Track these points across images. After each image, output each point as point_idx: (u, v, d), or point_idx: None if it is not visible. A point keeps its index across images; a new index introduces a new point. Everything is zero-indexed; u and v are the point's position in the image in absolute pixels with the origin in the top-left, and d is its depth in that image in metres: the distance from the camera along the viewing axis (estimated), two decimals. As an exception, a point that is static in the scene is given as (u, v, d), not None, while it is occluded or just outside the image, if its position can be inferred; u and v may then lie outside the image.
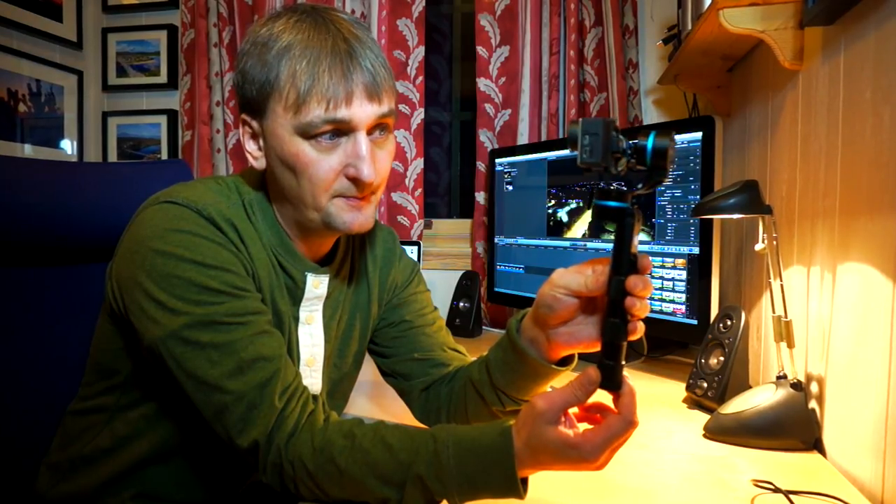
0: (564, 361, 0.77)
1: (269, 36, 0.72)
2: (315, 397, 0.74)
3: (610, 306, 0.63)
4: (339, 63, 0.70)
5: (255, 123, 0.76)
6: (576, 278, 0.68)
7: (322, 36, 0.71)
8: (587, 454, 0.61)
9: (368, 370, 1.01)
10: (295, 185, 0.74)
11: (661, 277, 1.31)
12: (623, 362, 0.63)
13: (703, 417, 1.02)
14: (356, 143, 0.72)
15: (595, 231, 1.50)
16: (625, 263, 0.63)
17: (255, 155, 0.78)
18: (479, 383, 0.82)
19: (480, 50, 1.95)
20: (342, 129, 0.72)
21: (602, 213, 0.62)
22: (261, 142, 0.76)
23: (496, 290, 1.82)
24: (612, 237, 0.63)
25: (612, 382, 0.62)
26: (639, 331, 0.64)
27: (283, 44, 0.70)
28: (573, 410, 0.66)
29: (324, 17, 0.73)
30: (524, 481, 0.65)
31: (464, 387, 0.86)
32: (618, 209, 0.62)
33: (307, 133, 0.71)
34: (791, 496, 0.74)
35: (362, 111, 0.71)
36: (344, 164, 0.73)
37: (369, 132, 0.73)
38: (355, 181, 0.73)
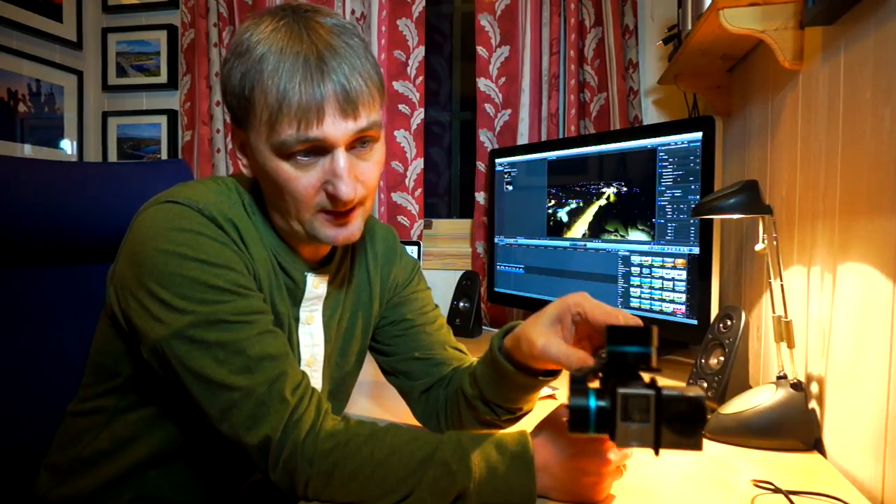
0: (550, 373, 0.78)
1: (248, 45, 0.70)
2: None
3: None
4: (309, 79, 0.67)
5: (241, 133, 0.75)
6: (556, 352, 0.68)
7: (294, 49, 0.68)
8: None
9: (368, 370, 1.01)
10: (278, 198, 0.74)
11: (662, 277, 1.31)
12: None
13: (703, 417, 1.02)
14: (334, 161, 0.70)
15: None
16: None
17: (244, 163, 0.77)
18: (472, 397, 0.83)
19: (480, 50, 1.94)
20: (318, 147, 0.70)
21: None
22: (247, 151, 0.76)
23: (496, 290, 1.82)
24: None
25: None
26: None
27: (257, 55, 0.68)
28: None
29: (300, 25, 0.70)
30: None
31: (456, 395, 0.87)
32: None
33: (282, 152, 0.70)
34: (791, 496, 0.74)
35: (336, 129, 0.69)
36: (323, 181, 0.71)
37: (350, 146, 0.71)
38: (334, 199, 0.72)
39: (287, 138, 0.68)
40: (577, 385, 0.55)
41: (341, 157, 0.70)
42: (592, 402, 0.54)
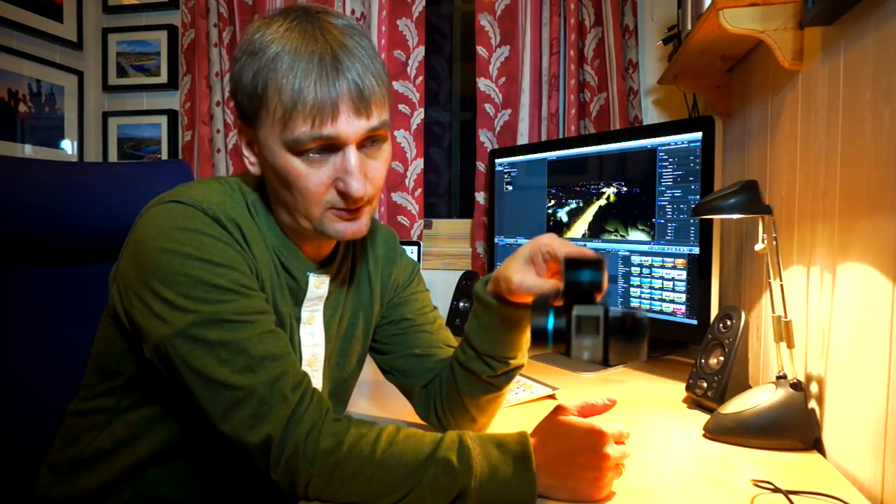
0: None
1: (261, 45, 0.71)
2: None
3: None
4: (325, 78, 0.68)
5: (250, 131, 0.75)
6: (533, 286, 0.75)
7: (309, 47, 0.69)
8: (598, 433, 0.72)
9: (368, 370, 1.01)
10: (288, 195, 0.74)
11: (662, 277, 1.31)
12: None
13: (703, 417, 1.02)
14: (345, 159, 0.71)
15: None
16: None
17: (251, 161, 0.78)
18: (465, 359, 0.85)
19: (480, 50, 1.95)
20: (331, 145, 0.71)
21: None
22: (255, 149, 0.76)
23: (496, 290, 1.81)
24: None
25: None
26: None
27: (271, 54, 0.69)
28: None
29: (314, 25, 0.71)
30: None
31: (451, 370, 0.88)
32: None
33: (295, 149, 0.70)
34: (791, 496, 0.74)
35: (349, 127, 0.70)
36: (334, 178, 0.72)
37: (360, 145, 0.73)
38: (345, 196, 0.72)
39: (301, 135, 0.69)
40: (539, 307, 0.66)
41: (353, 155, 0.71)
42: (551, 324, 0.65)
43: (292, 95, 0.68)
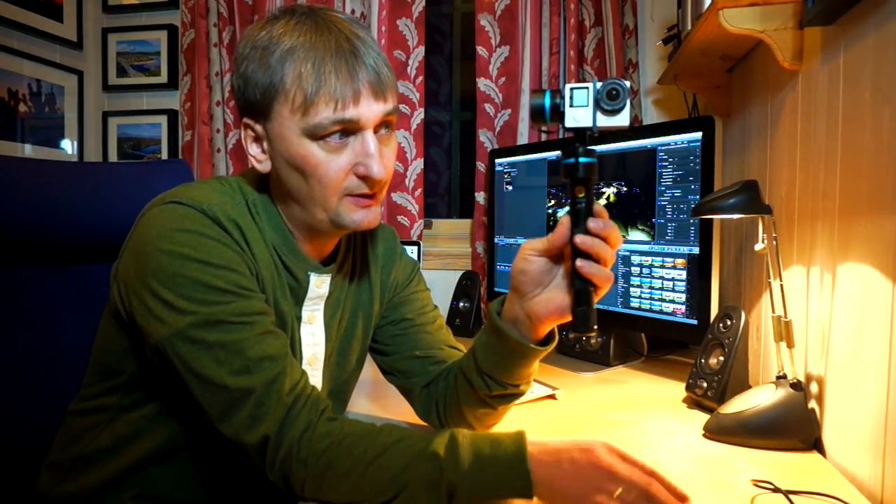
0: (545, 343, 0.79)
1: (270, 39, 0.72)
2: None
3: (574, 255, 0.69)
4: (345, 63, 0.71)
5: (258, 127, 0.76)
6: (540, 241, 0.74)
7: (324, 37, 0.71)
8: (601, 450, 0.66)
9: (368, 370, 1.01)
10: (303, 185, 0.74)
11: (662, 277, 1.31)
12: (595, 307, 0.69)
13: (703, 417, 1.02)
14: (364, 142, 0.73)
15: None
16: (585, 213, 0.69)
17: (258, 158, 0.78)
18: (468, 369, 0.84)
19: (480, 50, 1.95)
20: (350, 129, 0.73)
21: (576, 169, 0.69)
22: (265, 145, 0.76)
23: (496, 290, 1.82)
24: (570, 193, 0.70)
25: (587, 326, 0.69)
26: (606, 278, 0.68)
27: (286, 46, 0.71)
28: None
29: (323, 18, 0.73)
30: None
31: (456, 376, 0.87)
32: (592, 164, 0.69)
33: (316, 134, 0.71)
34: (791, 496, 0.74)
35: (369, 110, 0.72)
36: (353, 163, 0.74)
37: (375, 130, 0.74)
38: (365, 179, 0.74)
39: (323, 119, 0.71)
40: (537, 90, 0.69)
41: (371, 139, 0.73)
42: (547, 99, 0.68)
43: (314, 82, 0.70)
